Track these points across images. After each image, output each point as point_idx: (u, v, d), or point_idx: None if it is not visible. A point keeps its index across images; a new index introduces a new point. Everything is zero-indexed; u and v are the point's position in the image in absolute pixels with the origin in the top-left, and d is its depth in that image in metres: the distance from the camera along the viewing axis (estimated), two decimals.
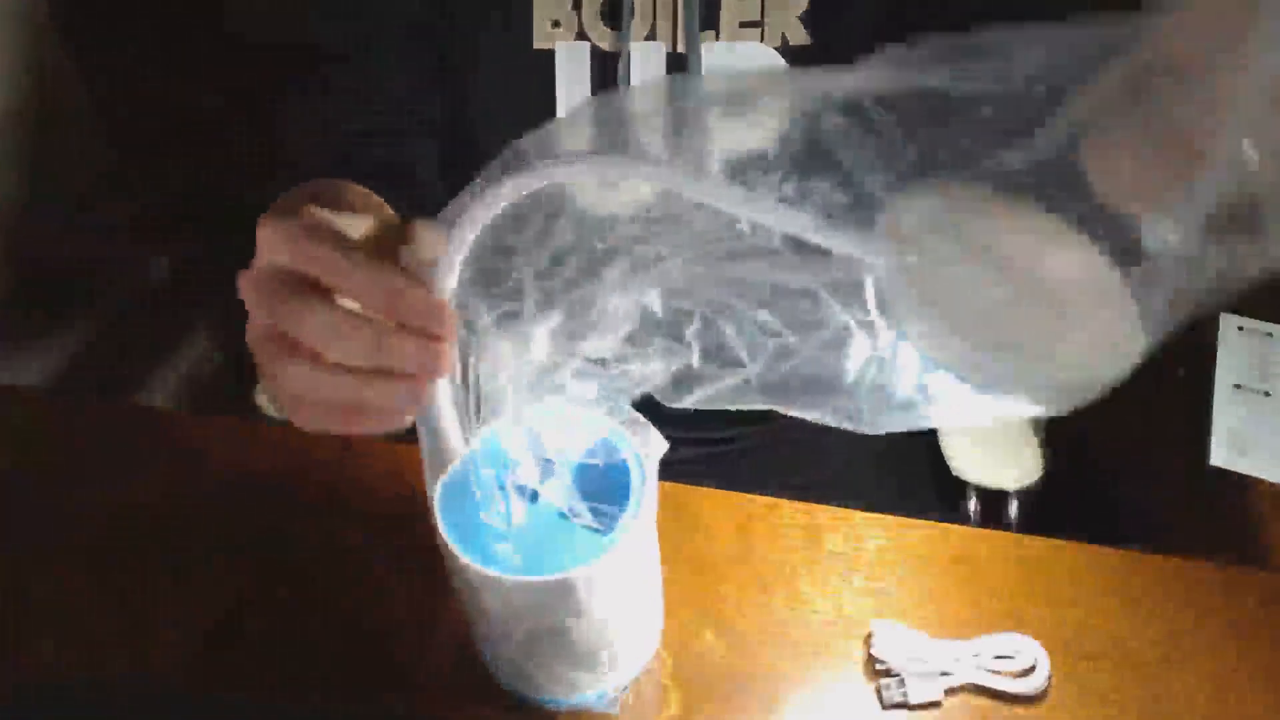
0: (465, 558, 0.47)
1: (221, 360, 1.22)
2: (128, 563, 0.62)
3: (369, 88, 0.71)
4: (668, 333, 0.45)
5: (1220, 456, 0.71)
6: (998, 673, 0.56)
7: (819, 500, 0.65)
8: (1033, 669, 0.56)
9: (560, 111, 0.68)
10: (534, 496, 0.50)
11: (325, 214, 0.43)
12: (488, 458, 0.49)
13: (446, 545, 0.48)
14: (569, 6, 0.67)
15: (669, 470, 0.64)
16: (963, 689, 0.56)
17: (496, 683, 0.56)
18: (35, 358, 1.08)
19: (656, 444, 0.50)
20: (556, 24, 0.67)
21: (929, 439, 0.88)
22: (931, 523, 0.64)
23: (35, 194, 1.05)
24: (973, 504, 0.85)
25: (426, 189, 0.68)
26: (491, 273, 0.45)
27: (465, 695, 0.57)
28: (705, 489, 0.65)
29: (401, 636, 0.59)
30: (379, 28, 0.70)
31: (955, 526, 0.64)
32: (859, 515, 0.64)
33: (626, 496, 0.49)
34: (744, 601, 0.60)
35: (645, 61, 0.67)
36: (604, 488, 0.50)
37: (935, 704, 0.56)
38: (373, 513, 0.64)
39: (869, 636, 0.58)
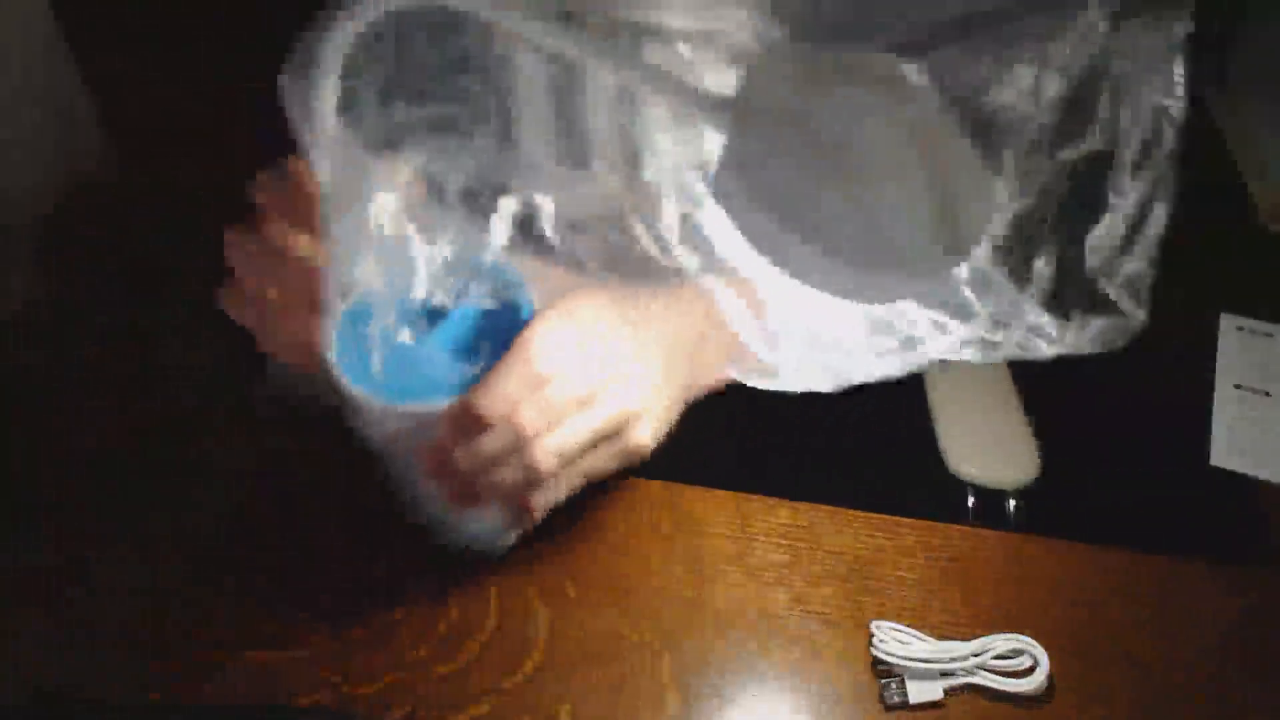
0: (357, 387, 0.49)
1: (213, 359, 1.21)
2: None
3: None
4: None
5: (1220, 456, 0.71)
6: (998, 673, 0.56)
7: (819, 500, 0.65)
8: (1033, 669, 0.56)
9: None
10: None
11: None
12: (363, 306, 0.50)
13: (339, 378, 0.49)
14: None
15: (669, 470, 0.64)
16: (963, 689, 0.56)
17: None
18: None
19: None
20: None
21: (927, 439, 0.88)
22: (931, 523, 0.64)
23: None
24: (971, 504, 0.85)
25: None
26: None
27: (466, 694, 0.57)
28: (705, 489, 0.65)
29: (401, 637, 0.59)
30: None
31: (955, 526, 0.64)
32: (859, 515, 0.64)
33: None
34: (744, 601, 0.60)
35: None
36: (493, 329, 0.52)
37: (935, 704, 0.56)
38: (365, 514, 0.64)
39: (869, 636, 0.58)
